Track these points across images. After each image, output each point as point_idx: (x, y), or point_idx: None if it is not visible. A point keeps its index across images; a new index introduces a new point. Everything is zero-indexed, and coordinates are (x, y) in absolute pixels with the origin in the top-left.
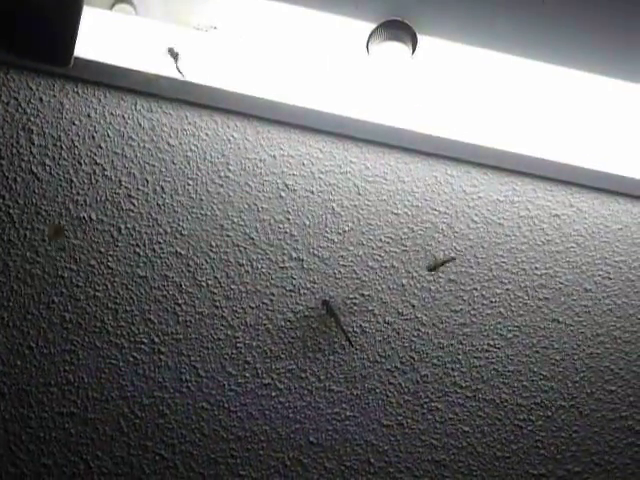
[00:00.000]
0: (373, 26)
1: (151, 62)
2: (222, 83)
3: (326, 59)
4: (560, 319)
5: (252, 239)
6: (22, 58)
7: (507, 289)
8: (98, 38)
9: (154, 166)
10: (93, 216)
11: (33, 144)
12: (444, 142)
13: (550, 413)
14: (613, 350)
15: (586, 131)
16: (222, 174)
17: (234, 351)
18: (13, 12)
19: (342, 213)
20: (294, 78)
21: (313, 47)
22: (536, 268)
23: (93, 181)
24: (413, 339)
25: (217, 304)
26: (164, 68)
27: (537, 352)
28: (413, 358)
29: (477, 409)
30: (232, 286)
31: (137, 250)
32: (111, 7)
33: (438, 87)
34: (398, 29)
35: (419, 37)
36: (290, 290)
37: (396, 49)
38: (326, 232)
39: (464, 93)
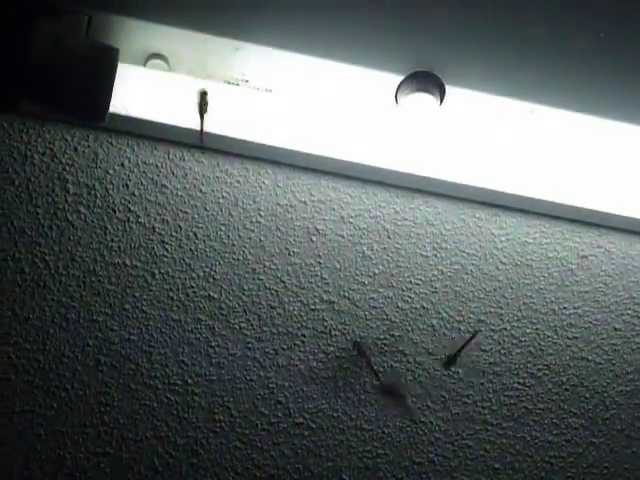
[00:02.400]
0: (402, 78)
1: (184, 115)
2: (253, 134)
3: (357, 109)
4: (589, 357)
5: (283, 282)
6: (59, 115)
7: (536, 329)
8: (132, 93)
9: (187, 213)
10: (127, 262)
11: (68, 193)
12: (472, 188)
13: (581, 450)
14: None
15: (613, 177)
16: (254, 219)
17: (266, 391)
18: (52, 71)
19: (372, 256)
20: (325, 128)
21: (343, 98)
22: (565, 308)
23: (127, 228)
24: (443, 378)
25: (249, 346)
26: (197, 121)
27: (567, 390)
28: (444, 397)
29: (508, 446)
30: (264, 328)
31: (170, 294)
32: (145, 63)
33: (465, 135)
34: (426, 80)
35: (447, 88)
36: (321, 332)
37: (424, 99)
38: (356, 275)
39: (491, 141)
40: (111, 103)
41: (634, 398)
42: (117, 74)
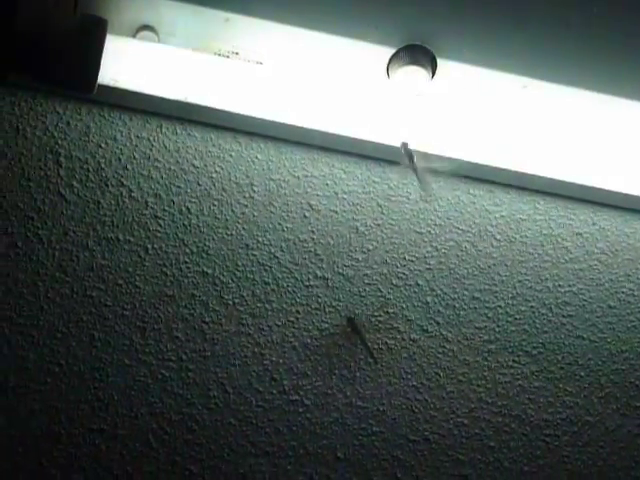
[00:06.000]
0: (393, 50)
1: (174, 87)
2: (246, 108)
3: (348, 83)
4: (584, 336)
5: (277, 258)
6: (47, 86)
7: (531, 306)
8: (122, 65)
9: (180, 187)
10: (120, 237)
11: (61, 167)
12: (466, 163)
13: (576, 429)
14: (638, 366)
15: (608, 152)
16: (247, 195)
17: (261, 368)
18: (39, 41)
19: (366, 232)
20: (316, 102)
21: (335, 71)
22: (560, 286)
23: (120, 202)
24: (438, 356)
25: (243, 322)
26: (188, 93)
27: (562, 368)
28: (439, 374)
29: (503, 425)
30: (258, 304)
31: (164, 270)
32: (134, 35)
33: (457, 110)
34: (418, 53)
35: (438, 61)
36: (315, 308)
37: (416, 73)
38: (350, 251)
39: (484, 115)
40: (101, 75)
41: (629, 377)
42: (106, 46)
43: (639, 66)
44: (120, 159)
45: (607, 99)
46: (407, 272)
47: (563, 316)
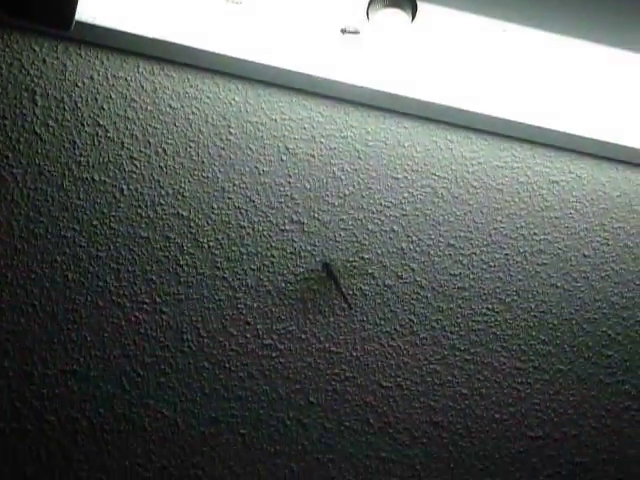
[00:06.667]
0: None
1: (152, 26)
2: (224, 48)
3: (327, 25)
4: (558, 284)
5: (253, 202)
6: (23, 20)
7: (506, 254)
8: (100, 2)
9: (156, 128)
10: (96, 177)
11: (36, 105)
12: (444, 108)
13: (548, 377)
14: (611, 315)
15: (586, 100)
16: (224, 137)
17: (235, 312)
18: None
19: (342, 177)
20: (295, 43)
21: (314, 13)
22: (535, 234)
23: (96, 142)
24: (412, 302)
25: (218, 265)
26: (166, 31)
27: (535, 316)
28: (412, 321)
29: (475, 372)
30: (233, 248)
31: (139, 211)
32: None
33: (437, 54)
34: None
35: (418, 4)
36: (290, 252)
37: (396, 15)
38: (326, 196)
39: (463, 60)
40: (78, 11)
41: (601, 326)
42: None
43: (618, 13)
44: (97, 99)
45: (586, 45)
46: (383, 218)
47: (537, 264)
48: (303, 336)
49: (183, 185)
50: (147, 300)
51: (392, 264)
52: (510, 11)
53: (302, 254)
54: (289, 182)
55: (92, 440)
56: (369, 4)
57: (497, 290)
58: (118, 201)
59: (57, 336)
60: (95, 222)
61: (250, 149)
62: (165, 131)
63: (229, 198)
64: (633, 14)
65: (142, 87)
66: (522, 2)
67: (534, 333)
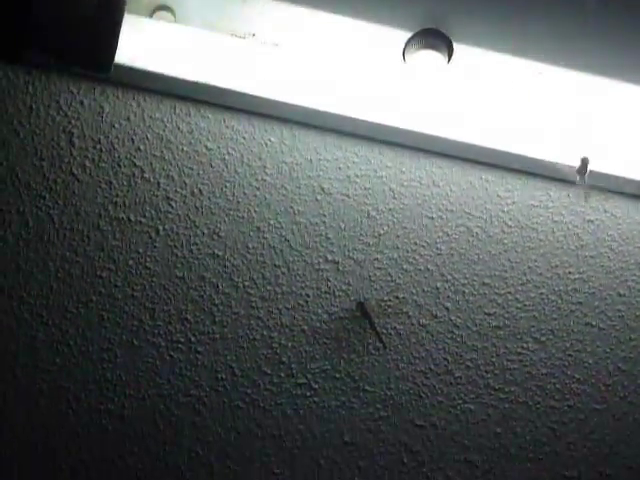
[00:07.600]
0: (409, 34)
1: (189, 68)
2: (259, 89)
3: (364, 66)
4: (593, 323)
5: (288, 241)
6: (64, 64)
7: (541, 293)
8: (138, 45)
9: (192, 169)
10: (132, 217)
11: (73, 146)
12: (479, 149)
13: (583, 416)
14: None
15: (621, 139)
16: (259, 177)
17: (269, 351)
18: (56, 19)
19: (377, 217)
20: (330, 84)
21: (351, 54)
22: (570, 273)
23: (132, 183)
24: (447, 341)
25: (253, 305)
26: (201, 73)
27: (570, 355)
28: (447, 360)
29: (510, 411)
30: (268, 287)
31: (175, 251)
32: (151, 15)
33: (473, 95)
34: (434, 37)
35: (455, 45)
36: (325, 292)
37: (432, 57)
38: (361, 235)
39: (498, 100)
40: (117, 54)
41: (637, 365)
42: (123, 25)
43: None
44: (133, 140)
45: (624, 87)
46: (417, 257)
47: (572, 303)
48: (337, 375)
49: (219, 225)
50: (182, 339)
51: (427, 303)
52: (546, 53)
53: (336, 293)
54: (324, 222)
55: None
56: (405, 45)
57: (532, 329)
58: (154, 241)
59: (92, 375)
60: (131, 262)
61: (285, 189)
62: (201, 172)
63: (264, 238)
64: None
65: (178, 128)
66: (558, 44)
67: (569, 372)
